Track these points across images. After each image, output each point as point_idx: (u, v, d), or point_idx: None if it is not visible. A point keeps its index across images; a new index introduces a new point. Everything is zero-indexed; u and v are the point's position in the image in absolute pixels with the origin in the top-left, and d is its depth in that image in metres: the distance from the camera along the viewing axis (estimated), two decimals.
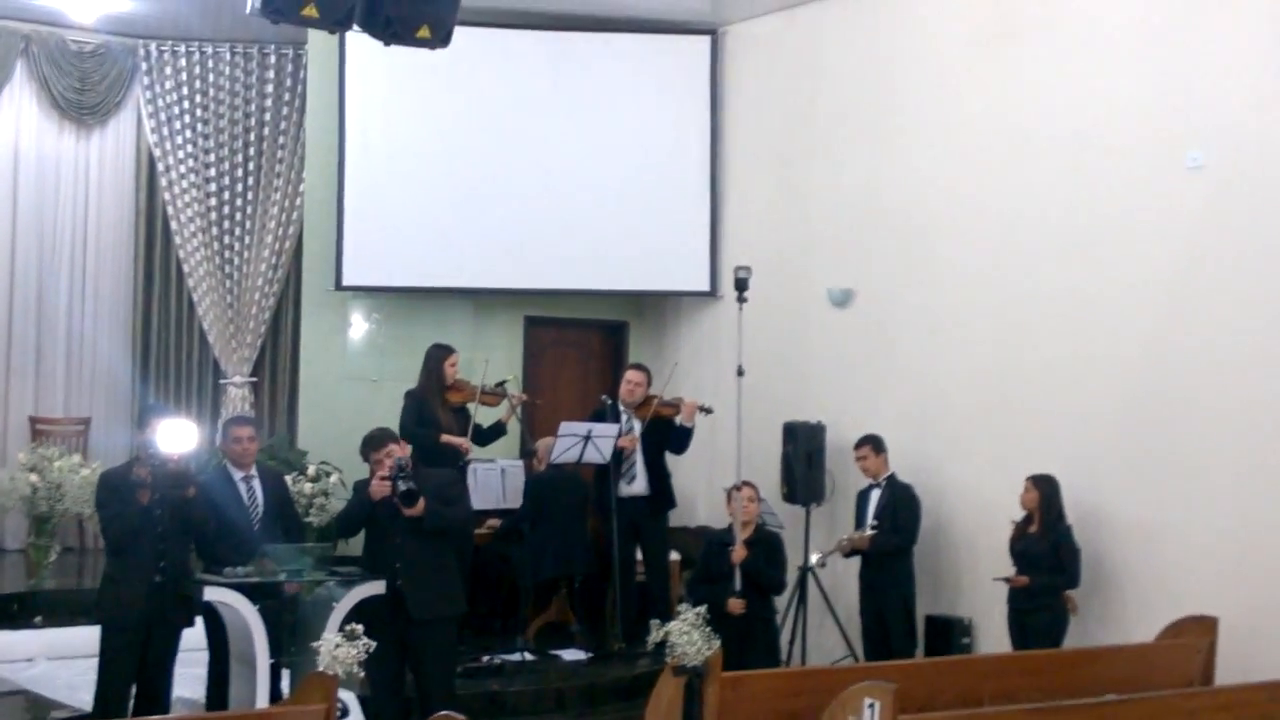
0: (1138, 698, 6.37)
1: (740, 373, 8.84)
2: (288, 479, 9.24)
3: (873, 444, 9.47)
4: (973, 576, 9.53)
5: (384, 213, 11.48)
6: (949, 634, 9.42)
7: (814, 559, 9.46)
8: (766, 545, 8.34)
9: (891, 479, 9.42)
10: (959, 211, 9.91)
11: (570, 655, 9.52)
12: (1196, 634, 7.57)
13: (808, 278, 11.04)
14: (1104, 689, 6.71)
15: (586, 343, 12.77)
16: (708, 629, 6.49)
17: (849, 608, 9.85)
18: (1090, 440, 8.89)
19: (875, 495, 9.40)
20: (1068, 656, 7.75)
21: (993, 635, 9.12)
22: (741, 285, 9.05)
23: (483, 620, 9.90)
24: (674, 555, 10.41)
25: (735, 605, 7.98)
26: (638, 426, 9.86)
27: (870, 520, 9.30)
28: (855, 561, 9.54)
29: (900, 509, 9.30)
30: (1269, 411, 7.96)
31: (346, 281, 11.51)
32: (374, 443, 7.59)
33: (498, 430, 9.82)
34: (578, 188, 11.73)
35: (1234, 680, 7.07)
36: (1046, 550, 8.53)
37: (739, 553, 8.12)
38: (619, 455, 9.69)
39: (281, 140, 12.19)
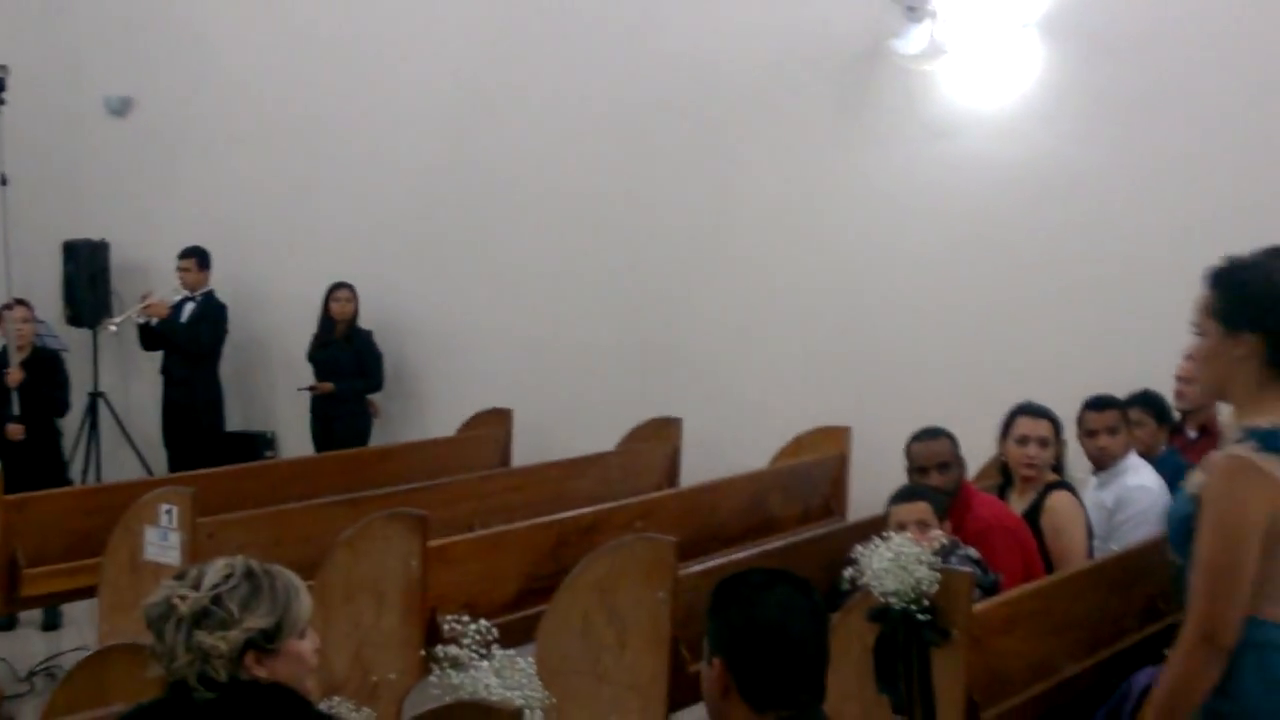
0: (439, 482, 6.52)
1: (3, 181, 7.98)
2: None
3: (197, 256, 8.96)
4: (275, 389, 9.38)
5: None
6: (253, 448, 9.20)
7: (110, 327, 8.94)
8: (45, 366, 7.76)
9: (209, 294, 8.97)
10: (247, 19, 9.45)
11: None
12: (493, 425, 8.00)
13: (82, 84, 10.18)
14: (409, 481, 6.78)
15: None
16: None
17: (148, 434, 9.39)
18: (390, 246, 8.92)
19: (189, 308, 8.90)
20: (371, 454, 7.85)
21: (298, 446, 9.02)
22: None
23: None
24: None
25: (14, 430, 7.41)
26: None
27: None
28: (154, 384, 9.13)
29: (206, 321, 8.89)
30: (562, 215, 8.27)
31: None
32: None
33: None
34: None
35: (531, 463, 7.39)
36: (349, 357, 8.54)
37: (14, 375, 7.50)
38: None
39: None
